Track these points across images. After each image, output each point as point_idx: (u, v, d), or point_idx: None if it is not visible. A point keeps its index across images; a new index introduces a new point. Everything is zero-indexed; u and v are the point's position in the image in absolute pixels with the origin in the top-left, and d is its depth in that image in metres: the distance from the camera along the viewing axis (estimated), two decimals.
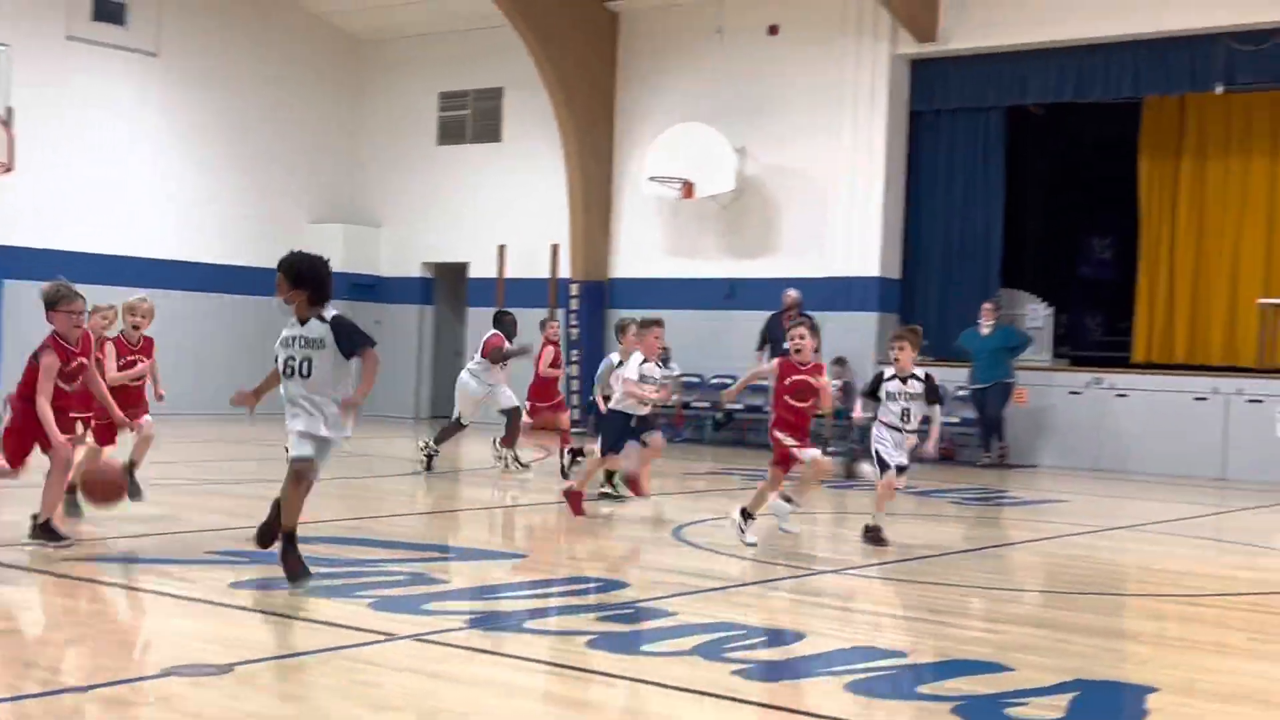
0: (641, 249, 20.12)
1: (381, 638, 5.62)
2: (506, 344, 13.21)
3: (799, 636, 6.01)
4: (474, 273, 21.76)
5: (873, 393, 9.05)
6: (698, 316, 18.99)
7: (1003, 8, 17.36)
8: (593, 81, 20.25)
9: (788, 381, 8.58)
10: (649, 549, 8.94)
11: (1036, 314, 18.46)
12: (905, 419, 8.83)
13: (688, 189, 18.88)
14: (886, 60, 18.17)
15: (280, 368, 6.68)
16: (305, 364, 6.58)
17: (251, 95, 21.41)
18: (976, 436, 16.71)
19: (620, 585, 7.23)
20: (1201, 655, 5.98)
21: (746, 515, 8.58)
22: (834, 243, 18.47)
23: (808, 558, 8.62)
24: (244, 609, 6.21)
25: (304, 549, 6.68)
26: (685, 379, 19.24)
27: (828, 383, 8.77)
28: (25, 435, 7.48)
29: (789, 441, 8.52)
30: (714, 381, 19.18)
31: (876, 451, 8.86)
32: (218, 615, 6.04)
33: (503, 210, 21.25)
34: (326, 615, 6.06)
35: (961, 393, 16.76)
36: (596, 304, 20.30)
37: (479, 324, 21.11)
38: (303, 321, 6.63)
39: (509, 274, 20.80)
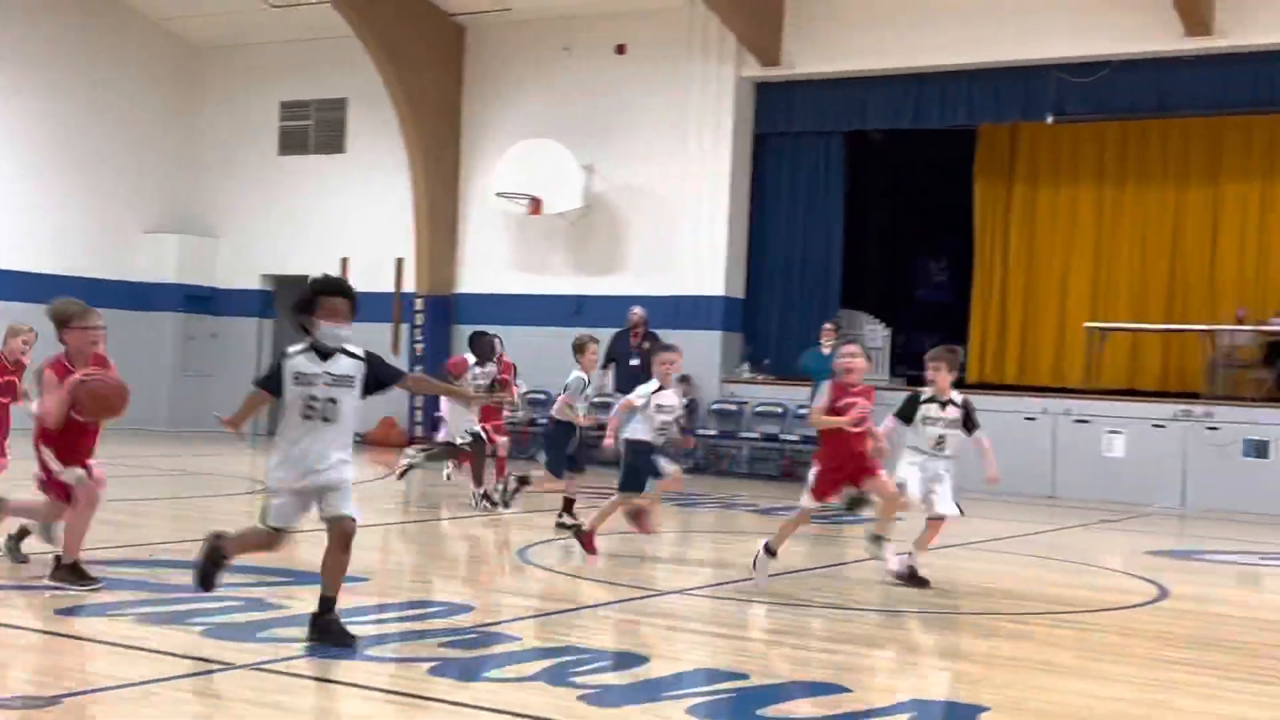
0: (488, 264, 20.03)
1: (217, 667, 5.47)
2: (471, 369, 12.37)
3: (643, 660, 6.03)
4: None
5: (908, 416, 8.60)
6: (544, 333, 18.92)
7: (844, 35, 17.76)
8: (439, 94, 20.10)
9: (840, 405, 8.04)
10: (493, 571, 8.88)
11: (875, 334, 18.89)
12: (940, 446, 8.51)
13: (535, 205, 18.86)
14: (732, 82, 18.43)
15: (300, 410, 5.86)
16: (332, 405, 5.89)
17: (83, 100, 20.71)
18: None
19: (464, 609, 7.17)
20: (1031, 674, 6.16)
21: (770, 551, 8.00)
22: (680, 261, 18.64)
23: (651, 579, 8.66)
24: (71, 638, 5.99)
25: (130, 573, 6.47)
26: (531, 395, 19.18)
27: (868, 406, 8.17)
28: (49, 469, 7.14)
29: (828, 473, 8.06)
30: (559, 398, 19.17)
31: (904, 482, 8.43)
32: (44, 645, 5.82)
33: (346, 222, 20.94)
34: (159, 644, 5.87)
35: (803, 411, 17.03)
36: (442, 319, 20.14)
37: None
38: (325, 355, 5.92)
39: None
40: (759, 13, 18.02)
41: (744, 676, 5.80)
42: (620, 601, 7.71)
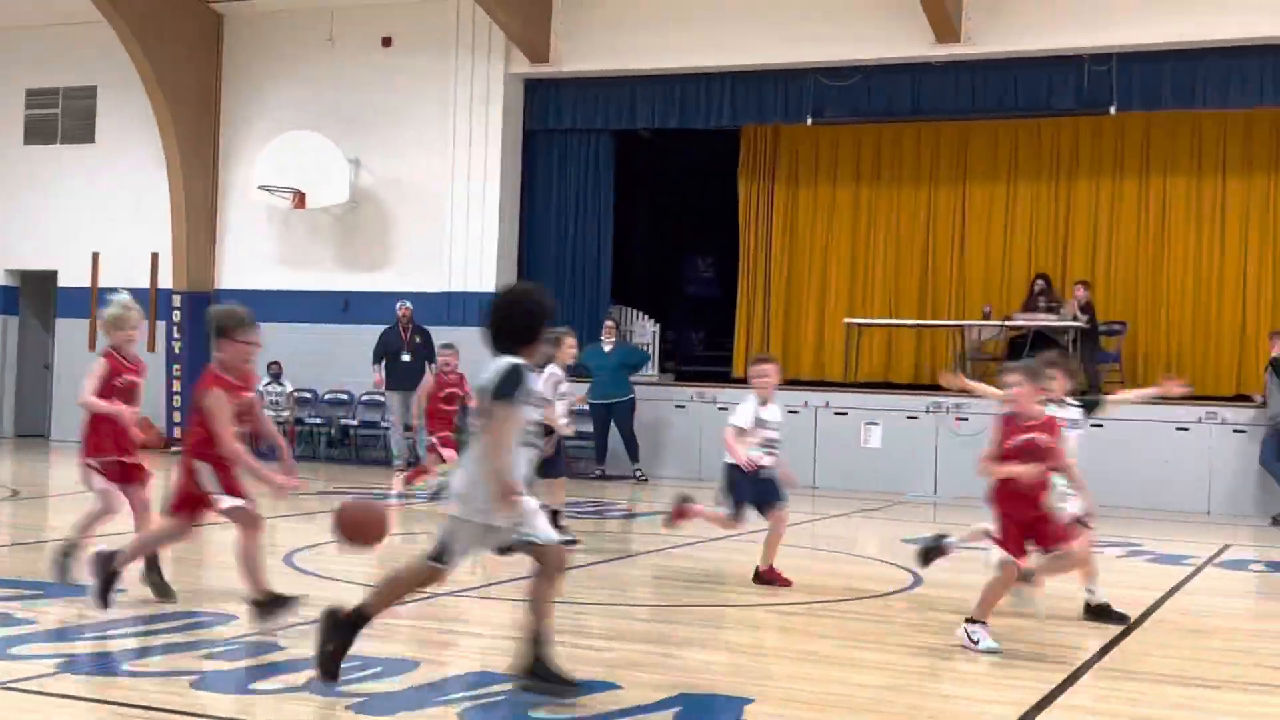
0: (251, 260, 19.47)
1: None
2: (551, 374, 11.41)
3: (413, 665, 5.98)
4: (64, 281, 20.41)
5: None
6: (311, 330, 18.59)
7: (612, 35, 17.92)
8: (196, 84, 19.43)
9: (1012, 444, 6.73)
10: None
11: (645, 330, 19.16)
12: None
13: (299, 199, 18.44)
14: (501, 78, 18.39)
15: (521, 437, 5.43)
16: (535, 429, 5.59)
17: None
18: (593, 451, 17.10)
19: (228, 619, 6.97)
20: (795, 664, 6.36)
21: (976, 623, 6.77)
22: (450, 257, 18.51)
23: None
24: None
25: None
26: (299, 394, 18.79)
27: (1061, 446, 6.94)
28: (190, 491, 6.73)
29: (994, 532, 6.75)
30: (327, 397, 18.82)
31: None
32: None
33: (97, 215, 20.03)
34: None
35: (582, 407, 17.14)
36: (201, 316, 19.40)
37: (69, 335, 19.89)
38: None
39: (104, 283, 19.61)
40: (527, 9, 18.03)
41: (514, 678, 5.81)
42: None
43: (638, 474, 16.78)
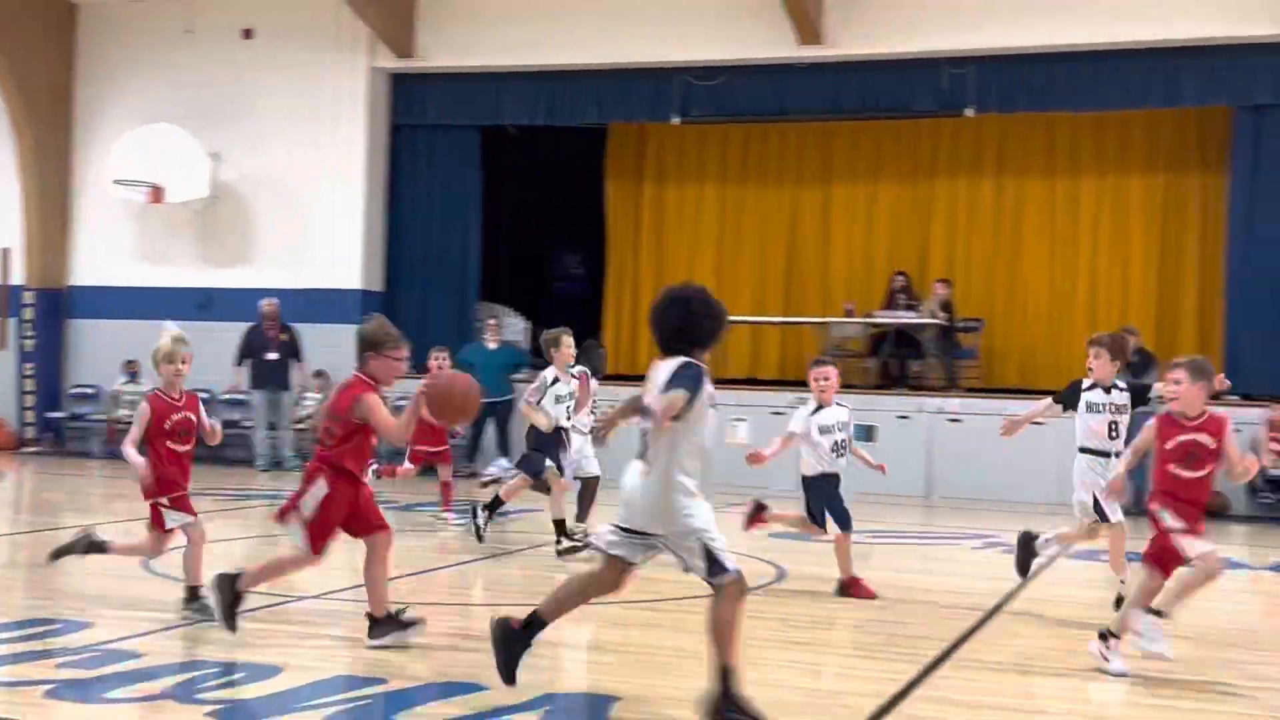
0: (107, 255, 18.97)
1: None
2: (593, 382, 10.66)
3: (276, 670, 5.89)
4: None
5: (1070, 401, 8.03)
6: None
7: (478, 30, 17.83)
8: (49, 75, 18.87)
9: (1170, 445, 6.32)
10: (115, 582, 8.44)
11: (515, 328, 19.09)
12: (1113, 432, 7.87)
13: (156, 193, 18.00)
14: (365, 72, 18.18)
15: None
16: None
17: None
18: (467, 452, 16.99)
19: (83, 625, 6.79)
20: (662, 662, 6.41)
21: (1111, 636, 6.44)
22: (314, 253, 18.26)
23: (287, 584, 8.44)
24: None
25: None
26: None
27: (1240, 452, 6.45)
28: (333, 516, 6.38)
29: (1173, 525, 6.28)
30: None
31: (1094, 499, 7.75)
32: None
33: None
34: None
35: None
36: (53, 313, 18.95)
37: None
38: None
39: None
40: (392, 3, 17.85)
41: (382, 681, 5.77)
42: (252, 610, 7.49)
43: (509, 476, 16.72)
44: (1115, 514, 7.78)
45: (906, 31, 16.46)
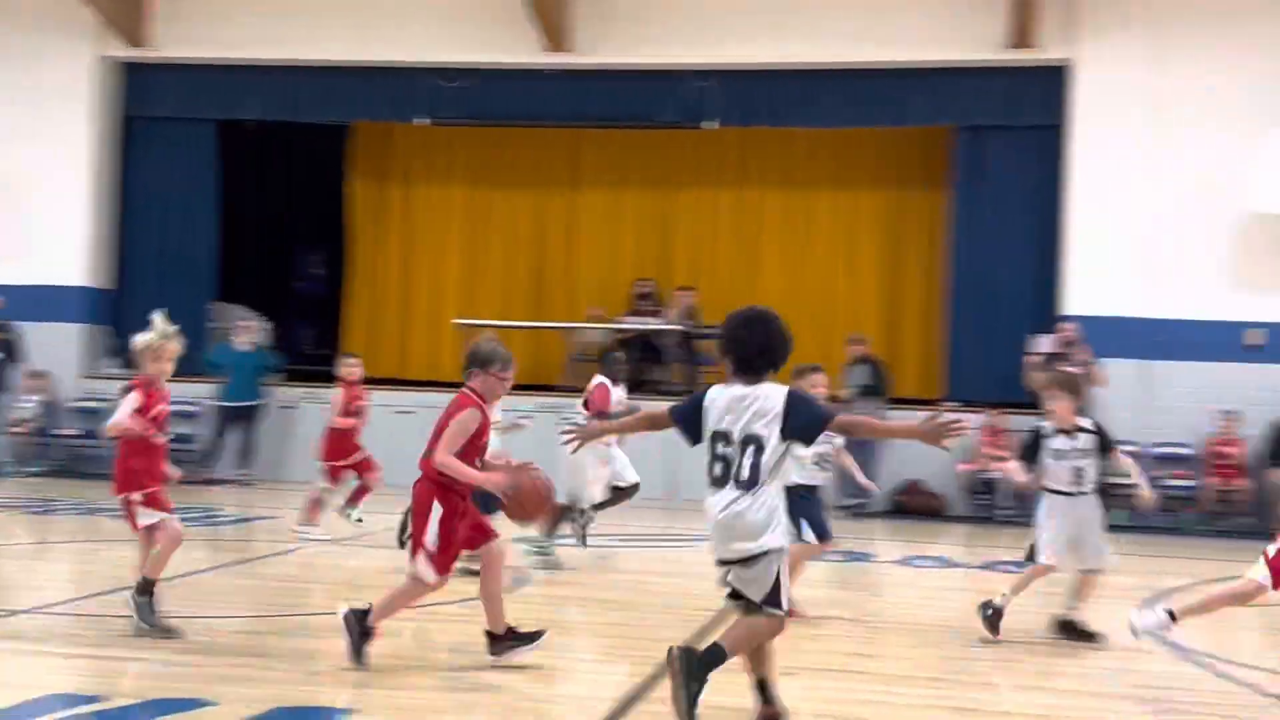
0: None
1: None
2: (615, 395, 10.23)
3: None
4: None
5: (1031, 455, 7.61)
6: None
7: (215, 22, 17.32)
8: None
9: None
10: None
11: (254, 328, 18.56)
12: (1078, 478, 7.51)
13: None
14: (93, 61, 17.42)
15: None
16: None
17: None
18: (199, 454, 16.43)
19: None
20: (397, 674, 6.34)
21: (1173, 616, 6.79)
22: (36, 248, 17.39)
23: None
24: None
25: None
26: None
27: None
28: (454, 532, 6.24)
29: None
30: None
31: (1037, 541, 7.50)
32: None
33: None
34: None
35: (192, 409, 16.48)
36: None
37: None
38: None
39: None
40: None
41: (96, 699, 5.53)
42: None
43: (247, 479, 16.33)
44: (1044, 557, 7.55)
45: (653, 43, 16.78)
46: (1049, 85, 16.22)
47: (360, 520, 11.35)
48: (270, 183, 20.78)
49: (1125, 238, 15.75)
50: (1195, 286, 15.57)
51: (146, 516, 6.92)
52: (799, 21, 16.47)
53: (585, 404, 10.23)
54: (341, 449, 11.39)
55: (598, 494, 10.16)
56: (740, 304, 18.47)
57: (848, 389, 15.36)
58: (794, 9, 16.54)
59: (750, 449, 5.14)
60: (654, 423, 5.62)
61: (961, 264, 16.87)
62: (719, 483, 5.20)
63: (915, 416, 5.41)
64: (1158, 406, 15.38)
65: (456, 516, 6.33)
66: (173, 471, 7.12)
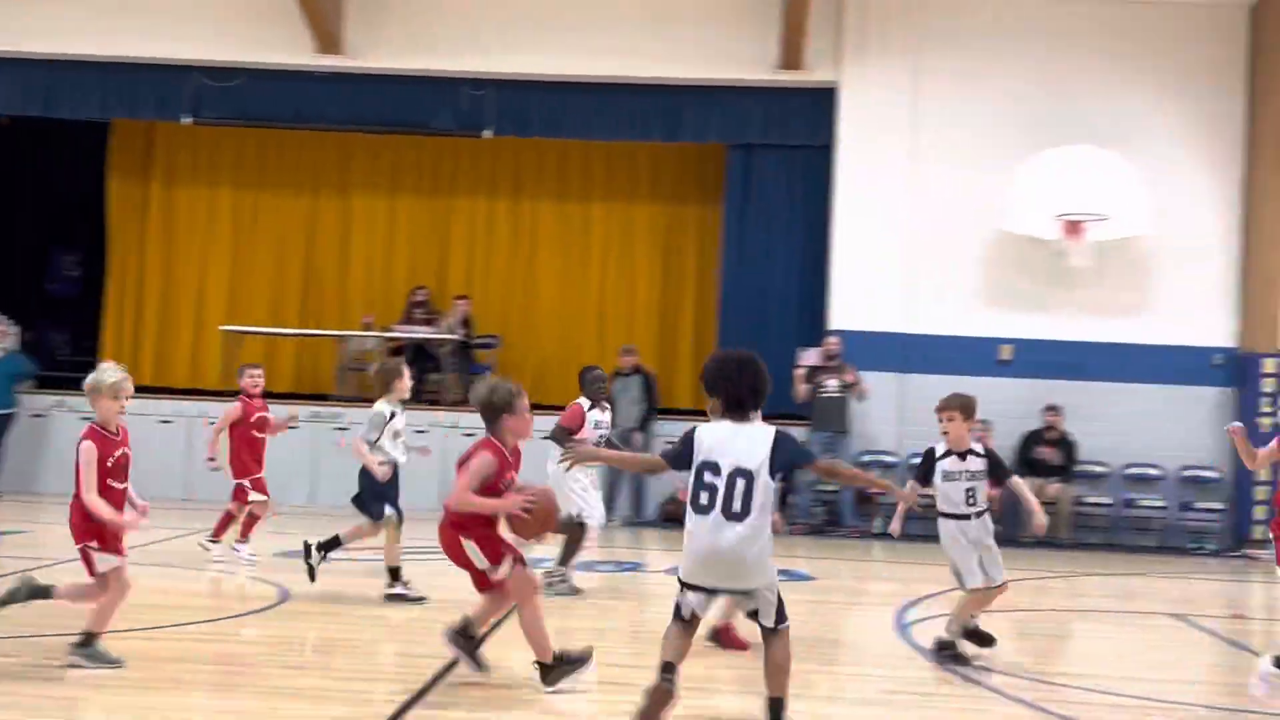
0: None
1: None
2: (591, 418, 9.58)
3: None
4: None
5: (925, 475, 7.51)
6: None
7: None
8: None
9: None
10: None
11: (3, 332, 17.64)
12: (971, 499, 7.45)
13: None
14: None
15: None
16: None
17: None
18: None
19: None
20: (159, 693, 6.11)
21: None
22: None
23: None
24: None
25: None
26: None
27: None
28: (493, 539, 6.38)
29: None
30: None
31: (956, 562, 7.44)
32: None
33: None
34: None
35: None
36: None
37: None
38: None
39: None
40: None
41: None
42: None
43: None
44: (973, 580, 7.55)
45: (428, 49, 16.63)
46: (817, 106, 16.72)
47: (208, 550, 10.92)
48: (24, 180, 19.77)
49: (886, 255, 16.33)
50: (951, 304, 16.26)
51: (105, 563, 6.50)
52: (576, 35, 16.57)
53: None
54: (247, 467, 10.97)
55: (599, 513, 9.85)
56: (516, 313, 18.50)
57: (618, 399, 15.51)
58: (571, 23, 16.63)
59: (740, 482, 5.41)
60: (650, 467, 6.03)
61: (732, 278, 17.24)
62: (704, 510, 5.45)
63: (891, 474, 5.86)
64: (916, 418, 15.97)
65: (492, 534, 6.46)
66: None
